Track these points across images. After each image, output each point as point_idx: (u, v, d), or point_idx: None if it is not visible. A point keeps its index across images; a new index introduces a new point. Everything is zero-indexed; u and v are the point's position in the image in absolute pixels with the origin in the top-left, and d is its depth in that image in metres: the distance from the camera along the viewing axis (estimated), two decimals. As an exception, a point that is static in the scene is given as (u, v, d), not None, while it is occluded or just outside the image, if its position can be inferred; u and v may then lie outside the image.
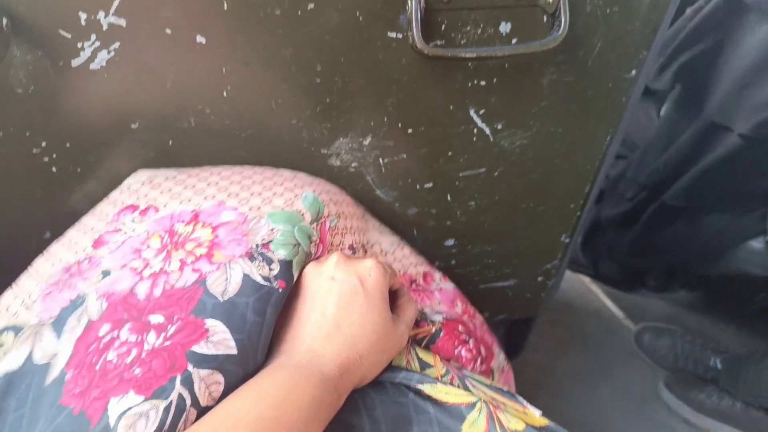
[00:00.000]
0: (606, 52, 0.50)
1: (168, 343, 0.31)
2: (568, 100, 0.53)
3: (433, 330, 0.45)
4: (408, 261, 0.54)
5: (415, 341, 0.44)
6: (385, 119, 0.51)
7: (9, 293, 0.40)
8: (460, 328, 0.47)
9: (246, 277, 0.35)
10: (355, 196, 0.56)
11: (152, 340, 0.31)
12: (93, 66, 0.42)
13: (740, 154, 0.88)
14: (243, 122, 0.48)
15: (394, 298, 0.43)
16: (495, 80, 0.50)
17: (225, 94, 0.46)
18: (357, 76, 0.47)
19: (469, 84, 0.50)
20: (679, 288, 1.24)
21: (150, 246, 0.37)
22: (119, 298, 0.33)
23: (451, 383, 0.39)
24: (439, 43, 0.46)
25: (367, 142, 0.52)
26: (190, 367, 0.30)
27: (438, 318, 0.47)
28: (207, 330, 0.32)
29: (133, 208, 0.42)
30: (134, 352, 0.30)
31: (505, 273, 0.70)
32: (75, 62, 0.41)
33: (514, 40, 0.48)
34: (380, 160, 0.53)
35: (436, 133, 0.53)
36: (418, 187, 0.57)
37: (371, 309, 0.36)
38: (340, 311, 0.36)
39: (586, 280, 1.30)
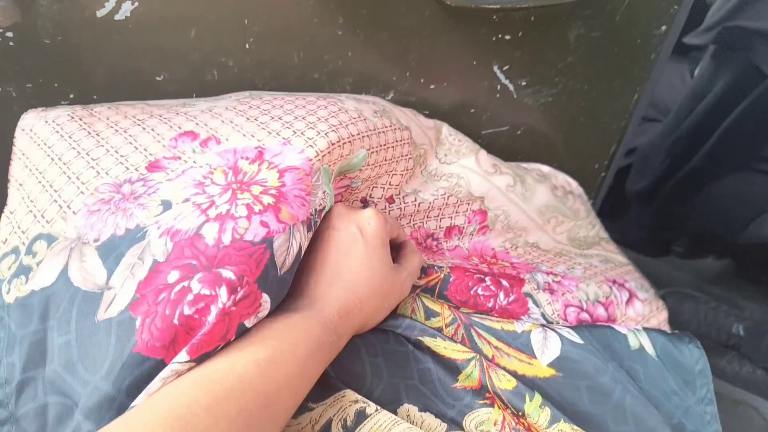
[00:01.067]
0: (635, 5, 0.48)
1: (234, 308, 0.29)
2: (595, 56, 0.52)
3: (442, 276, 0.45)
4: (436, 213, 0.51)
5: (427, 289, 0.44)
6: (407, 74, 0.50)
7: (38, 188, 0.36)
8: (472, 269, 0.47)
9: (299, 251, 0.34)
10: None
11: (224, 298, 0.29)
12: (118, 17, 0.42)
13: (762, 110, 0.85)
14: (265, 76, 0.48)
15: (398, 249, 0.43)
16: (520, 34, 0.49)
17: (247, 46, 0.46)
18: (379, 29, 0.47)
19: (494, 38, 0.49)
20: (706, 254, 1.22)
21: (214, 182, 0.34)
22: (186, 238, 0.31)
23: (455, 335, 0.40)
24: (462, -5, 0.46)
25: (389, 98, 0.51)
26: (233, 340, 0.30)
27: (445, 264, 0.47)
28: (260, 306, 0.31)
29: (192, 135, 0.39)
30: (213, 310, 0.29)
31: (526, 233, 0.69)
32: (100, 13, 0.42)
33: (539, -7, 0.46)
34: (402, 116, 0.53)
35: (459, 89, 0.52)
36: (439, 144, 0.57)
37: (371, 256, 0.37)
38: (340, 258, 0.36)
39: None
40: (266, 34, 0.45)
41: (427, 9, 0.46)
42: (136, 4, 0.42)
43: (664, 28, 0.51)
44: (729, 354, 0.98)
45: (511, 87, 0.53)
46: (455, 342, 0.39)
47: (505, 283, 0.46)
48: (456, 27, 0.48)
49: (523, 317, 0.45)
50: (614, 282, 0.53)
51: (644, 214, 1.15)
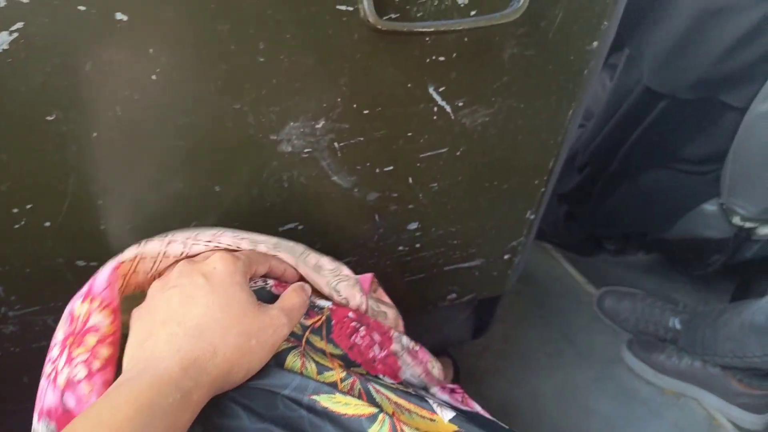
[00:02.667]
0: (567, 23, 0.47)
1: None
2: (530, 74, 0.50)
3: (324, 318, 0.42)
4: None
5: (315, 331, 0.40)
6: (339, 100, 0.47)
7: None
8: (350, 314, 0.44)
9: None
10: (311, 183, 0.52)
11: None
12: (-5, 51, 0.36)
13: (673, 116, 0.89)
14: (178, 109, 0.43)
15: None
16: (454, 55, 0.47)
17: (154, 77, 0.40)
18: (305, 54, 0.43)
19: (427, 60, 0.46)
20: (636, 251, 1.27)
21: (56, 340, 0.35)
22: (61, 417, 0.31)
23: (351, 390, 0.36)
24: (393, 16, 0.42)
25: (320, 125, 0.48)
26: None
27: (326, 304, 0.43)
28: None
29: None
30: None
31: (470, 253, 0.68)
32: (-28, 48, 0.35)
33: (472, 13, 0.44)
34: (335, 144, 0.50)
35: (394, 113, 0.49)
36: (377, 170, 0.54)
37: (220, 297, 0.33)
38: (182, 310, 0.33)
39: (548, 247, 1.30)
40: (176, 63, 0.40)
41: (356, 32, 0.43)
42: (16, 34, 0.36)
43: (595, 43, 0.50)
44: (668, 348, 1.01)
45: (448, 108, 0.51)
46: (357, 394, 0.36)
47: (376, 336, 0.44)
48: (388, 50, 0.45)
49: (399, 373, 0.43)
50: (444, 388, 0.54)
51: (578, 212, 1.17)
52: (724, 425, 0.95)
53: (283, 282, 0.43)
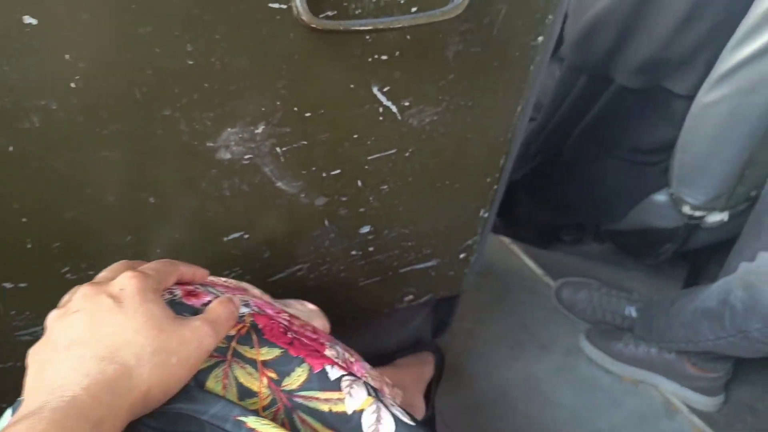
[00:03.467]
0: (511, 18, 0.46)
1: None
2: (476, 71, 0.49)
3: (247, 324, 0.38)
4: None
5: (243, 338, 0.37)
6: (278, 104, 0.44)
7: None
8: (280, 319, 0.41)
9: None
10: (254, 190, 0.49)
11: None
12: None
13: (620, 105, 0.91)
14: (102, 117, 0.40)
15: None
16: (397, 53, 0.45)
17: (73, 85, 0.37)
18: (238, 55, 0.40)
19: (369, 59, 0.45)
20: (591, 241, 1.29)
21: None
22: None
23: (274, 418, 0.34)
24: (330, 14, 0.41)
25: (259, 130, 0.45)
26: None
27: (245, 310, 0.40)
28: None
29: None
30: None
31: (425, 254, 0.66)
32: None
33: (414, 9, 0.43)
34: (277, 149, 0.47)
35: (337, 115, 0.47)
36: (324, 175, 0.52)
37: (131, 314, 0.30)
38: (87, 333, 0.30)
39: (506, 240, 1.31)
40: (96, 69, 0.37)
41: (291, 32, 0.41)
42: None
43: (540, 38, 0.49)
44: (625, 336, 1.03)
45: (394, 108, 0.49)
46: (281, 424, 0.33)
47: (307, 341, 0.41)
48: (327, 49, 0.43)
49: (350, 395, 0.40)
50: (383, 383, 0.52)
51: (533, 203, 1.18)
52: (680, 409, 0.98)
53: (194, 286, 0.40)
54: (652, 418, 0.97)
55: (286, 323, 0.42)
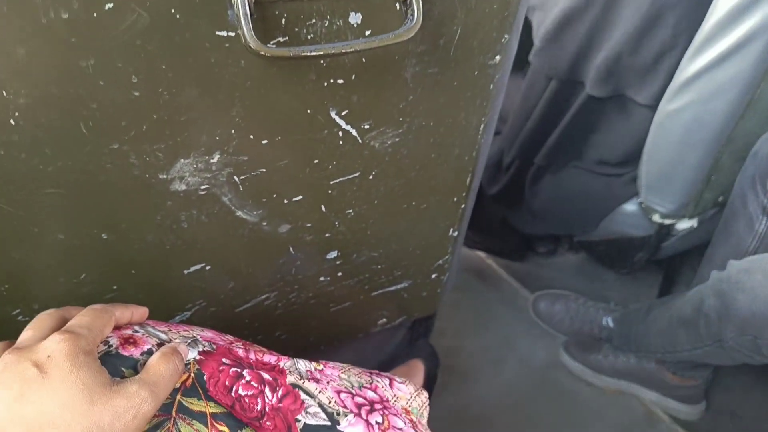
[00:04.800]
0: (467, 38, 0.46)
1: None
2: (436, 92, 0.49)
3: (193, 373, 0.36)
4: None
5: (187, 390, 0.35)
6: (233, 132, 0.43)
7: None
8: (225, 360, 0.39)
9: None
10: (213, 220, 0.48)
11: None
12: None
13: (589, 114, 0.91)
14: (46, 154, 0.38)
15: None
16: (354, 77, 0.44)
17: (12, 122, 0.36)
18: (187, 85, 0.39)
19: (325, 83, 0.44)
20: (566, 252, 1.29)
21: None
22: None
23: None
24: (281, 39, 0.40)
25: (215, 159, 0.44)
26: None
27: (192, 356, 0.37)
28: None
29: None
30: None
31: (396, 276, 0.65)
32: None
33: (367, 32, 0.42)
34: (235, 177, 0.46)
35: (296, 141, 0.46)
36: (286, 201, 0.50)
37: (58, 388, 0.28)
38: (8, 413, 0.27)
39: (482, 254, 1.31)
40: (37, 105, 0.36)
41: (242, 58, 0.40)
42: None
43: (498, 57, 0.49)
44: (604, 347, 1.03)
45: (354, 132, 0.48)
46: None
47: (266, 376, 0.39)
48: (281, 75, 0.42)
49: (299, 416, 0.39)
50: (371, 372, 0.51)
51: (509, 215, 1.18)
52: (662, 419, 0.97)
53: (132, 330, 0.37)
54: (634, 429, 0.96)
55: (240, 355, 0.41)
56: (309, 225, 0.53)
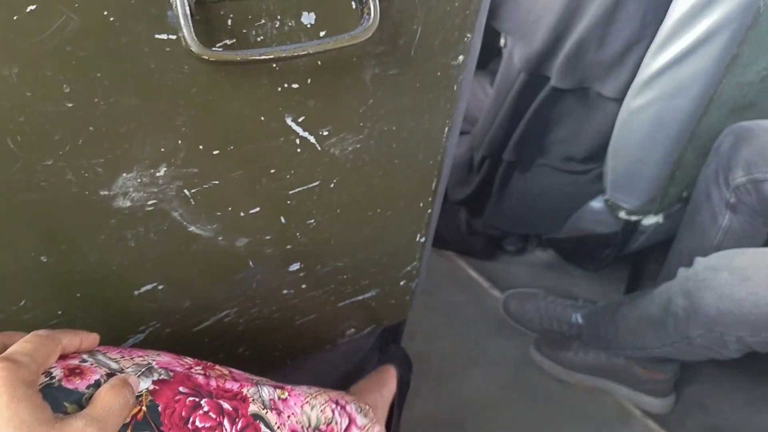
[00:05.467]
0: (428, 38, 0.44)
1: None
2: (397, 94, 0.46)
3: (146, 405, 0.33)
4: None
5: (138, 424, 0.32)
6: (180, 142, 0.40)
7: None
8: (182, 389, 0.36)
9: None
10: (163, 237, 0.45)
11: None
12: None
13: (553, 107, 0.91)
14: (-31, 174, 0.35)
15: None
16: (309, 81, 0.42)
17: (-74, 140, 0.32)
18: (125, 93, 0.36)
19: (279, 88, 0.41)
20: (534, 250, 1.29)
21: None
22: None
23: None
24: (228, 42, 0.37)
25: (161, 173, 0.41)
26: None
27: (145, 385, 0.35)
28: None
29: None
30: None
31: (363, 285, 0.63)
32: None
33: (322, 33, 0.40)
34: (185, 191, 0.43)
35: (250, 150, 0.44)
36: (242, 214, 0.47)
37: None
38: None
39: (451, 255, 1.29)
40: (-47, 119, 0.32)
41: (185, 64, 0.37)
42: None
43: (461, 58, 0.47)
44: (574, 344, 1.03)
45: (312, 139, 0.46)
46: None
47: (226, 405, 0.37)
48: (229, 80, 0.39)
49: None
50: (337, 403, 0.49)
51: (473, 222, 1.17)
52: (634, 413, 0.98)
53: (79, 360, 0.34)
54: (607, 425, 0.96)
55: (199, 382, 0.38)
56: (268, 237, 0.51)
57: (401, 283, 0.66)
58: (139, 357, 0.38)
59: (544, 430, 0.96)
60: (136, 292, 0.47)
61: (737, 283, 0.71)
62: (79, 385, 0.32)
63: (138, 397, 0.33)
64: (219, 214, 0.46)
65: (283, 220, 0.50)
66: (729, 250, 0.77)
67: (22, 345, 0.31)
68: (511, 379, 1.04)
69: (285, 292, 0.57)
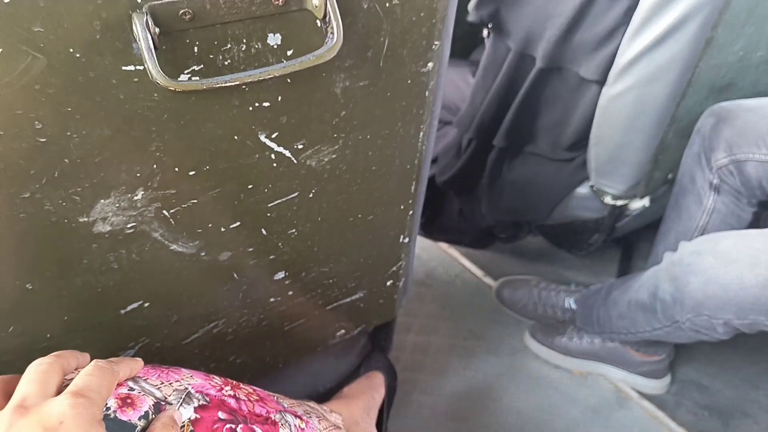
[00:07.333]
0: (395, 48, 0.44)
1: None
2: (369, 104, 0.47)
3: None
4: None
5: None
6: (155, 167, 0.41)
7: None
8: (221, 414, 0.38)
9: None
10: (146, 257, 0.46)
11: None
12: None
13: (540, 92, 0.90)
14: (-52, 212, 0.35)
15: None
16: (280, 98, 0.42)
17: None
18: (98, 125, 0.37)
19: (250, 108, 0.42)
20: (526, 236, 1.30)
21: None
22: None
23: None
24: (196, 68, 0.38)
25: (139, 197, 0.42)
26: None
27: (188, 415, 0.36)
28: None
29: None
30: None
31: (351, 288, 0.64)
32: None
33: (289, 52, 0.40)
34: (164, 212, 0.44)
35: (226, 168, 0.44)
36: (223, 229, 0.48)
37: None
38: None
39: (444, 245, 1.31)
40: (-72, 162, 0.33)
41: (155, 92, 0.37)
42: None
43: (430, 65, 0.48)
44: (568, 329, 1.04)
45: (287, 153, 0.46)
46: None
47: (258, 430, 0.39)
48: (200, 104, 0.40)
49: None
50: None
51: (462, 212, 1.18)
52: (631, 396, 0.99)
53: (127, 389, 0.36)
54: (605, 409, 0.98)
55: (233, 407, 0.39)
56: (251, 249, 0.52)
57: (388, 283, 0.67)
58: (176, 381, 0.39)
59: (543, 416, 0.97)
60: (122, 311, 0.49)
61: (722, 267, 0.72)
62: (132, 416, 0.33)
63: (181, 428, 0.35)
64: (200, 231, 0.47)
65: (264, 231, 0.51)
66: (713, 234, 0.78)
67: (89, 379, 0.32)
68: (507, 368, 1.05)
69: (272, 299, 0.58)
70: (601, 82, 0.85)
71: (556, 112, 0.94)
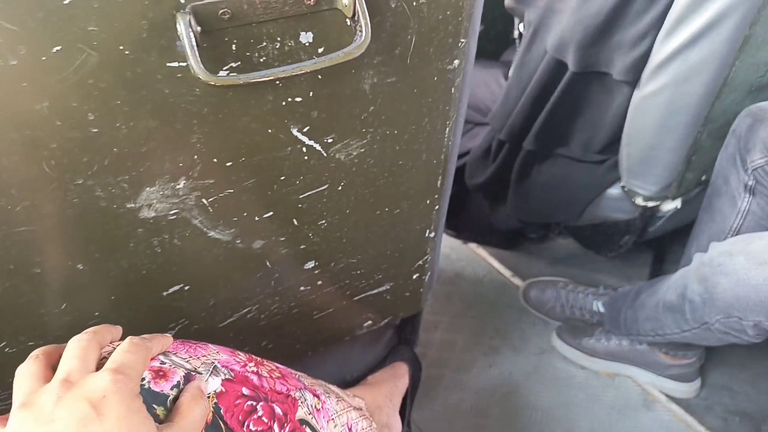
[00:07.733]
0: (422, 46, 0.46)
1: None
2: (397, 100, 0.49)
3: (212, 409, 0.37)
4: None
5: (209, 427, 0.37)
6: (196, 157, 0.44)
7: None
8: (244, 390, 0.40)
9: None
10: (187, 243, 0.49)
11: None
12: None
13: (572, 95, 0.90)
14: (11, 195, 0.39)
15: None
16: (311, 94, 0.45)
17: (-26, 168, 0.37)
18: (144, 117, 0.40)
19: (283, 103, 0.44)
20: (556, 237, 1.30)
21: None
22: None
23: None
24: (233, 65, 0.40)
25: (181, 185, 0.45)
26: None
27: (214, 386, 0.38)
28: None
29: None
30: None
31: (378, 280, 0.66)
32: None
33: (320, 49, 0.43)
34: (203, 200, 0.47)
35: (260, 160, 0.47)
36: (257, 218, 0.51)
37: (113, 429, 0.29)
38: None
39: (473, 245, 1.31)
40: (-2, 149, 0.37)
41: (197, 87, 0.40)
42: None
43: (457, 62, 0.49)
44: (596, 331, 1.04)
45: (317, 146, 0.49)
46: None
47: (278, 410, 0.41)
48: (237, 99, 0.42)
49: None
50: (350, 430, 0.52)
51: (492, 213, 1.18)
52: (658, 398, 0.98)
53: (159, 362, 0.38)
54: (630, 410, 0.97)
55: (255, 384, 0.41)
56: (283, 239, 0.54)
57: (414, 276, 0.69)
58: (203, 356, 0.42)
59: (568, 416, 0.97)
60: (164, 293, 0.52)
61: (754, 268, 0.71)
62: (164, 387, 0.36)
63: (209, 398, 0.37)
64: (235, 219, 0.50)
65: (295, 222, 0.53)
66: (745, 235, 0.76)
67: (126, 356, 0.34)
68: (533, 367, 1.06)
69: (302, 288, 0.61)
70: (635, 82, 0.85)
71: (589, 115, 0.94)
